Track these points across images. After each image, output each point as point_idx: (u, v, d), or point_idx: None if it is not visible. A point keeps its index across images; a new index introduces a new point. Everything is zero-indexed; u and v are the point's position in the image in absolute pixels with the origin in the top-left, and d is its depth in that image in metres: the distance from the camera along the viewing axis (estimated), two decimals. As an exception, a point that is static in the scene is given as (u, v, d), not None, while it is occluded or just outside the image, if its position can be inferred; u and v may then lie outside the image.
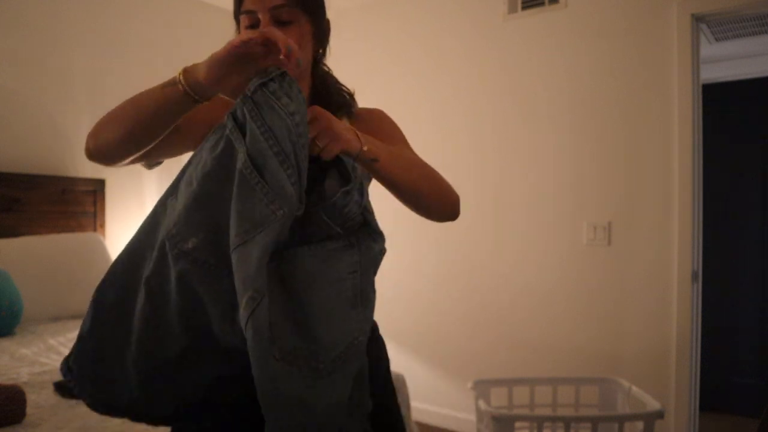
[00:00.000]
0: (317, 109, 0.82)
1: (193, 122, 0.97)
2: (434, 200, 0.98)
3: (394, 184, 0.92)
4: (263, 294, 0.73)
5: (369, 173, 0.91)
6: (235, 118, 0.78)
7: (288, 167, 0.75)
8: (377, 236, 0.87)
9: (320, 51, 1.07)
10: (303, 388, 0.75)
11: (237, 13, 1.00)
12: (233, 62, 0.79)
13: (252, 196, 0.75)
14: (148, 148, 0.90)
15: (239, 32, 1.04)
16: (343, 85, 1.12)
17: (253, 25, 0.97)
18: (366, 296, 0.85)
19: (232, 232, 0.75)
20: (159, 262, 0.80)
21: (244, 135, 0.77)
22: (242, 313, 0.73)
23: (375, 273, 0.88)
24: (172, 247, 0.78)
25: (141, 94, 0.88)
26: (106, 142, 0.89)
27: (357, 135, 0.85)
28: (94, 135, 0.91)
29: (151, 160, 0.99)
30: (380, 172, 0.89)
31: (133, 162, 0.94)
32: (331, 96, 1.08)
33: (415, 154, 1.05)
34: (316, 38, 1.03)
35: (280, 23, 0.96)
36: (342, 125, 0.83)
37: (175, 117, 0.86)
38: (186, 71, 0.83)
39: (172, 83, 0.84)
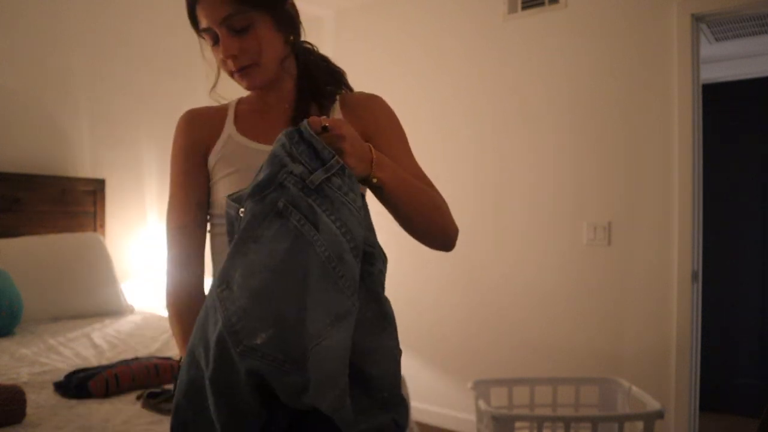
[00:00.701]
0: (338, 121, 0.83)
1: (195, 165, 1.03)
2: (431, 232, 0.97)
3: (394, 209, 0.92)
4: (347, 394, 0.73)
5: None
6: (296, 206, 0.78)
7: (359, 259, 0.78)
8: (371, 258, 0.84)
9: (291, 38, 1.02)
10: None
11: (198, 33, 0.99)
12: None
13: (334, 289, 0.75)
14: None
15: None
16: (332, 64, 1.09)
17: (215, 40, 0.96)
18: (386, 314, 0.85)
19: (315, 325, 0.74)
20: (220, 359, 0.77)
21: (315, 227, 0.77)
22: (326, 409, 0.73)
23: (384, 288, 0.87)
24: (237, 343, 0.75)
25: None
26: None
27: (371, 159, 0.85)
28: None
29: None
30: (383, 196, 0.89)
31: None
32: (318, 83, 1.04)
33: (417, 165, 1.03)
34: (281, 29, 0.99)
35: (235, 32, 0.94)
36: (358, 143, 0.84)
37: None
38: None
39: None
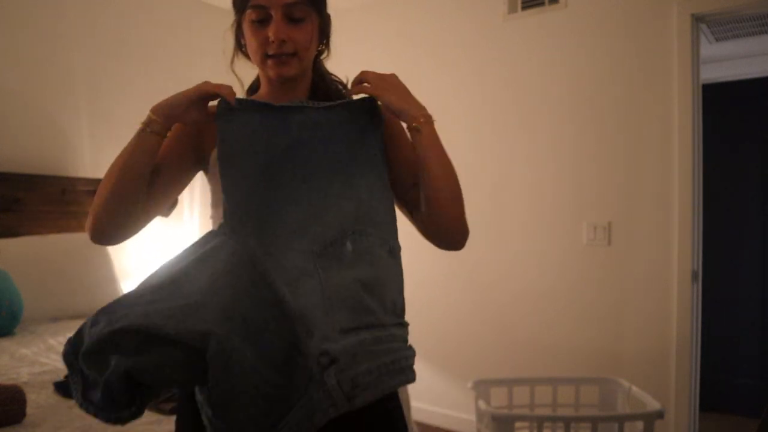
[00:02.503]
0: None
1: (177, 151, 1.03)
2: (451, 211, 1.00)
3: (424, 164, 1.01)
4: None
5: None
6: None
7: None
8: None
9: (321, 47, 1.08)
10: None
11: (242, 5, 0.99)
12: (197, 102, 0.93)
13: None
14: (136, 200, 0.98)
15: (238, 24, 1.03)
16: (334, 75, 1.14)
17: (262, 20, 0.96)
18: None
19: None
20: None
21: None
22: None
23: None
24: None
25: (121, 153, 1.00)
26: (100, 210, 0.99)
27: (422, 110, 1.04)
28: (90, 213, 0.99)
29: (160, 209, 1.04)
30: (419, 143, 1.01)
31: (134, 226, 1.01)
32: (329, 89, 1.10)
33: None
34: (320, 35, 1.05)
35: (292, 20, 0.96)
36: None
37: (147, 156, 0.97)
38: (154, 108, 0.96)
39: (143, 127, 0.97)
